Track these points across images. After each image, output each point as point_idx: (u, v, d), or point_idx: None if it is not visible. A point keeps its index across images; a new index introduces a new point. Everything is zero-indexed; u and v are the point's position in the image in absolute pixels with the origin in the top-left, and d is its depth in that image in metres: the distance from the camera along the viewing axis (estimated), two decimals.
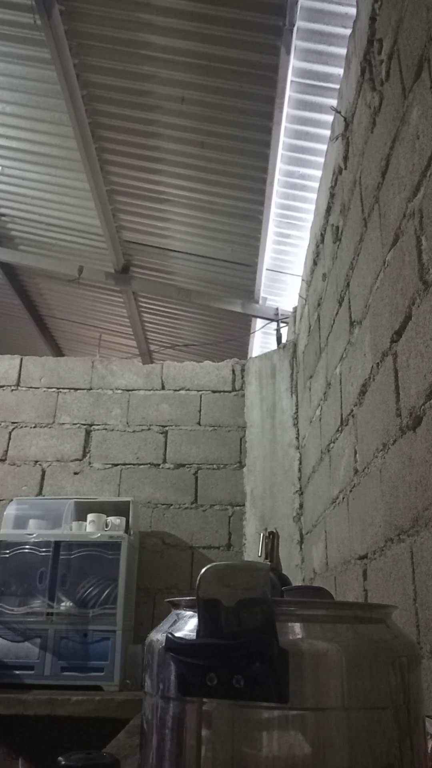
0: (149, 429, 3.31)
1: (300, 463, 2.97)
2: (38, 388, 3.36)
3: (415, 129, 1.23)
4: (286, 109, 2.36)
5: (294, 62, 2.18)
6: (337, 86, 2.11)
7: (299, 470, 2.96)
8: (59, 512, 2.91)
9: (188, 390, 3.39)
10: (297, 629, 0.45)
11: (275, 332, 3.58)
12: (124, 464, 3.24)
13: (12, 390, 3.36)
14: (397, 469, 1.31)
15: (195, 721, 0.45)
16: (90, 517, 2.83)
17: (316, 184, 2.54)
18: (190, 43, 2.27)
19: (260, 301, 3.60)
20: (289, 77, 2.24)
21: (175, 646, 0.46)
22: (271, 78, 2.26)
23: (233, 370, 3.44)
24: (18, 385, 3.37)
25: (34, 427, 3.28)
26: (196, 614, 0.46)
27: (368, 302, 1.59)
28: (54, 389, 3.37)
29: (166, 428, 3.31)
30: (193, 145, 2.74)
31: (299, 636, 0.45)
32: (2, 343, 5.14)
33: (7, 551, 2.63)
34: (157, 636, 0.51)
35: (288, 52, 2.12)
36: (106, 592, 2.62)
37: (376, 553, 1.48)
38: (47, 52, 2.42)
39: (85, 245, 3.73)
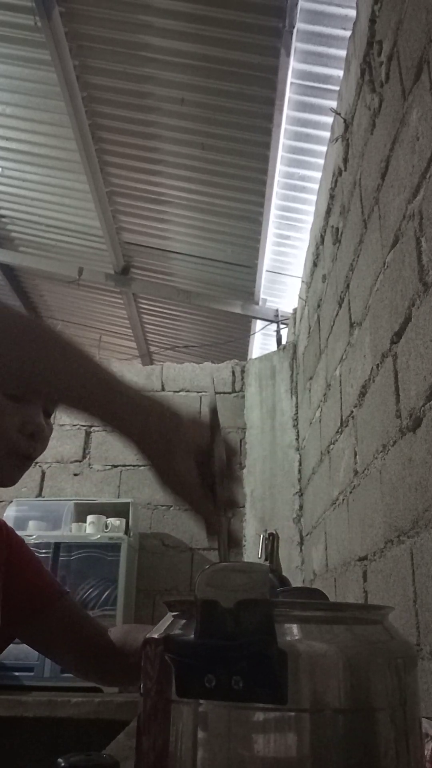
0: None
1: (300, 465, 2.97)
2: None
3: (415, 131, 1.24)
4: (285, 110, 2.36)
5: (294, 64, 2.19)
6: (337, 88, 2.11)
7: (299, 471, 2.96)
8: (59, 513, 2.91)
9: (188, 391, 3.39)
10: (294, 630, 0.45)
11: (275, 334, 3.58)
12: (124, 465, 3.24)
13: None
14: (397, 471, 1.31)
15: (192, 722, 0.45)
16: (90, 518, 2.83)
17: (316, 186, 2.54)
18: (190, 44, 2.28)
19: (260, 303, 3.60)
20: (289, 79, 2.24)
21: (173, 647, 0.47)
22: (271, 80, 2.27)
23: (233, 372, 3.44)
24: None
25: None
26: (194, 616, 0.46)
27: (368, 304, 1.59)
28: None
29: None
30: (193, 147, 2.74)
31: (296, 637, 0.45)
32: None
33: None
34: (155, 637, 0.51)
35: (288, 54, 2.13)
36: (105, 594, 2.62)
37: (375, 555, 1.48)
38: (47, 53, 2.42)
39: (85, 247, 3.73)
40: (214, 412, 0.68)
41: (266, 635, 0.43)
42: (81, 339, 4.89)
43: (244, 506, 3.11)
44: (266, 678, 0.42)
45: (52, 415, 1.07)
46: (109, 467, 3.24)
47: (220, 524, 0.62)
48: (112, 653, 1.05)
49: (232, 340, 4.26)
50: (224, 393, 3.39)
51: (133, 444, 0.65)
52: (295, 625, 0.45)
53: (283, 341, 3.45)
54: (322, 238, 2.32)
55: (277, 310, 3.58)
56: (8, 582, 1.05)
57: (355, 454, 1.72)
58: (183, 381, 3.41)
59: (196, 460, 0.63)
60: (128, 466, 3.24)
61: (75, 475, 3.24)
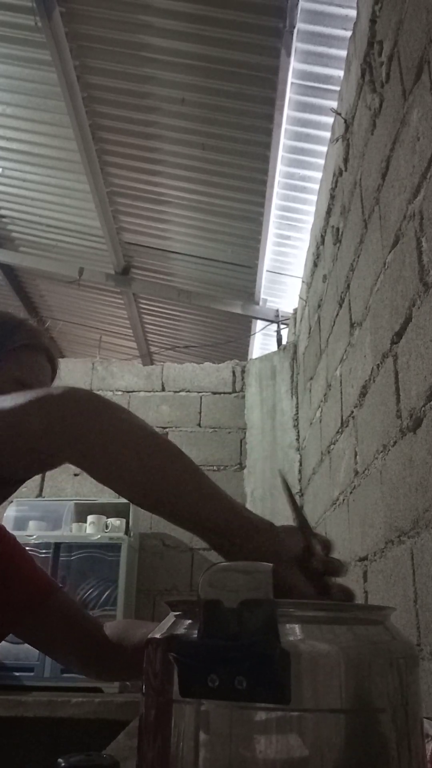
0: None
1: (300, 465, 2.96)
2: None
3: (416, 131, 1.24)
4: (286, 111, 2.36)
5: (294, 64, 2.19)
6: (338, 88, 2.12)
7: (299, 472, 2.96)
8: (59, 514, 2.91)
9: (188, 391, 3.39)
10: (296, 630, 0.45)
11: (275, 334, 3.58)
12: None
13: None
14: (397, 471, 1.31)
15: (194, 722, 0.45)
16: (90, 518, 2.83)
17: (317, 186, 2.54)
18: (190, 45, 2.28)
19: (260, 303, 3.60)
20: (290, 79, 2.24)
21: (176, 647, 0.47)
22: (272, 80, 2.27)
23: (233, 372, 3.44)
24: None
25: None
26: (196, 616, 0.46)
27: (368, 304, 1.59)
28: None
29: (167, 430, 3.31)
30: (193, 147, 2.74)
31: (299, 637, 0.45)
32: None
33: None
34: (157, 637, 0.51)
35: (288, 54, 2.13)
36: (106, 594, 2.61)
37: (376, 555, 1.48)
38: (48, 54, 2.42)
39: (85, 247, 3.73)
40: (299, 511, 0.70)
41: (269, 635, 0.43)
42: (81, 339, 4.91)
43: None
44: (269, 678, 0.42)
45: None
46: None
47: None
48: (109, 648, 1.05)
49: (232, 340, 4.26)
50: (224, 393, 3.39)
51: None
52: (297, 626, 0.45)
53: (284, 341, 3.45)
54: (323, 238, 2.32)
55: (277, 311, 3.58)
56: (4, 580, 1.05)
57: (356, 455, 1.72)
58: (183, 381, 3.41)
59: (299, 566, 0.64)
60: None
61: (75, 475, 3.24)
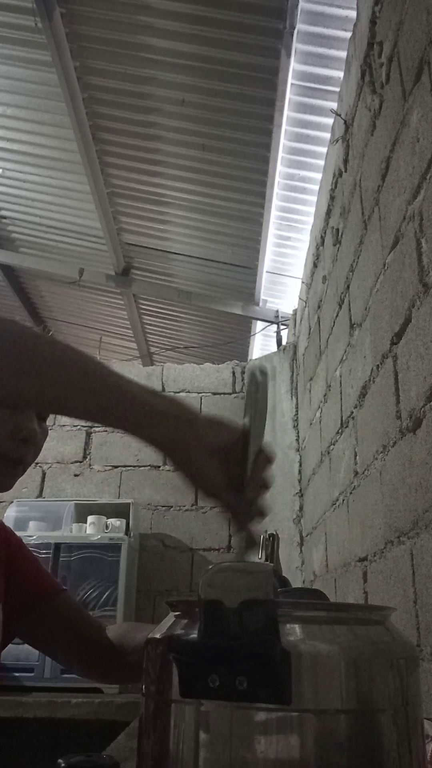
0: None
1: (300, 465, 2.96)
2: None
3: (416, 132, 1.24)
4: (286, 111, 2.36)
5: (294, 65, 2.19)
6: (338, 89, 2.12)
7: (299, 472, 2.96)
8: (59, 514, 2.91)
9: (189, 392, 3.39)
10: (297, 631, 0.45)
11: (275, 334, 3.58)
12: (125, 466, 3.24)
13: None
14: (397, 471, 1.31)
15: (194, 723, 0.45)
16: (90, 519, 2.83)
17: (317, 187, 2.54)
18: (191, 45, 2.28)
19: (260, 304, 3.60)
20: (290, 80, 2.24)
21: (176, 647, 0.47)
22: (272, 81, 2.27)
23: (233, 372, 3.44)
24: None
25: None
26: (196, 616, 0.46)
27: (368, 304, 1.59)
28: None
29: None
30: (194, 148, 2.74)
31: (299, 637, 0.45)
32: None
33: None
34: (157, 637, 0.51)
35: (288, 55, 2.13)
36: (106, 595, 2.61)
37: (376, 555, 1.48)
38: (48, 54, 2.42)
39: (85, 247, 3.73)
40: (251, 412, 0.69)
41: (270, 635, 0.43)
42: (81, 340, 4.91)
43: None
44: (270, 678, 0.42)
45: (47, 419, 1.07)
46: (110, 468, 3.24)
47: (246, 521, 0.64)
48: (111, 650, 1.05)
49: (232, 341, 4.26)
50: (224, 394, 3.39)
51: (150, 446, 0.67)
52: (297, 626, 0.46)
53: (284, 342, 3.45)
54: (323, 239, 2.32)
55: (277, 311, 3.58)
56: (9, 580, 1.05)
57: (356, 455, 1.72)
58: (183, 382, 3.41)
59: (219, 459, 0.64)
60: (128, 466, 3.24)
61: (75, 475, 3.24)
